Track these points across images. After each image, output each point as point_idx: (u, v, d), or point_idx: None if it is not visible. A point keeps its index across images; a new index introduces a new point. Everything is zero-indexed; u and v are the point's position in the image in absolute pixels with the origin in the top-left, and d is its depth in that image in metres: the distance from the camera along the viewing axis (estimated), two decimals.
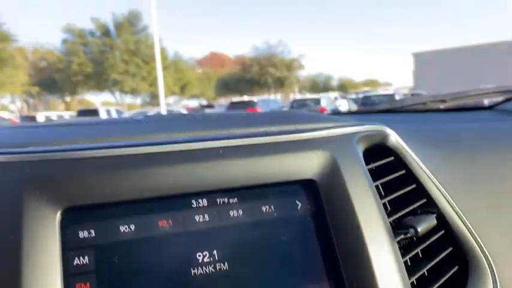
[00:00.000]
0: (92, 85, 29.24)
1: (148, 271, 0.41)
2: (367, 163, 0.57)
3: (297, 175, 0.49)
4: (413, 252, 0.53)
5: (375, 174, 0.57)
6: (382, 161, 0.58)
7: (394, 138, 0.60)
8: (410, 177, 0.59)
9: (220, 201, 0.46)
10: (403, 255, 0.52)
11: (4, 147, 0.43)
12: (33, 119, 19.38)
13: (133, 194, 0.43)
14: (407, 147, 0.60)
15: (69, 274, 0.39)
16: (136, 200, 0.43)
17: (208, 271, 0.43)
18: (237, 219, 0.46)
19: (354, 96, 27.61)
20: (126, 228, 0.42)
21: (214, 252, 0.44)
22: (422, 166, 0.60)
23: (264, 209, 0.47)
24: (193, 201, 0.45)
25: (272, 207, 0.48)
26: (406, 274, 0.48)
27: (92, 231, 0.41)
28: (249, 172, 0.47)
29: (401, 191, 0.57)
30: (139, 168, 0.44)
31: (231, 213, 0.46)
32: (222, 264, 0.44)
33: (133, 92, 29.56)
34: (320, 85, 49.26)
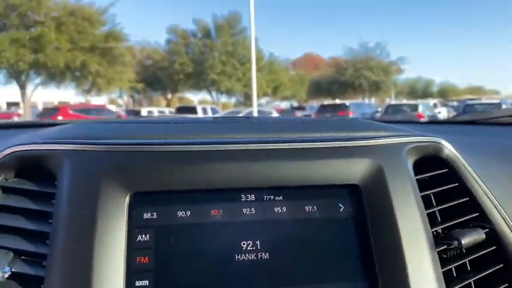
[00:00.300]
0: (192, 84, 30.78)
1: (198, 252, 0.48)
2: (420, 173, 0.58)
3: (342, 180, 0.53)
4: (455, 264, 0.54)
5: (427, 184, 0.58)
6: (436, 171, 0.59)
7: (449, 150, 0.60)
8: (464, 189, 0.59)
9: (266, 198, 0.51)
10: (446, 265, 0.53)
11: (90, 138, 0.52)
12: (137, 113, 20.98)
13: (191, 185, 0.50)
14: (463, 160, 0.60)
15: (132, 248, 0.47)
16: (194, 190, 0.50)
17: (250, 258, 0.48)
18: (280, 215, 0.51)
19: (455, 103, 25.95)
20: (183, 214, 0.49)
21: (257, 242, 0.49)
22: (478, 180, 0.60)
23: (307, 208, 0.52)
24: (243, 196, 0.51)
25: (315, 207, 0.52)
26: (443, 284, 0.49)
27: (154, 214, 0.49)
28: (295, 173, 0.52)
29: (452, 203, 0.58)
30: (197, 163, 0.50)
31: (276, 209, 0.51)
32: (263, 254, 0.49)
33: (229, 92, 30.62)
34: (419, 91, 46.80)
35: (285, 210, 0.51)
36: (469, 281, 0.53)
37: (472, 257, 0.55)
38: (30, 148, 0.51)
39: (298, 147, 0.53)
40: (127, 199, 0.48)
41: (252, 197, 0.51)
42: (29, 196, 0.50)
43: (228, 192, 0.51)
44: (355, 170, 0.53)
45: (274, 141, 0.54)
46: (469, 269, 0.56)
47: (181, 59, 28.50)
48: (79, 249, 0.45)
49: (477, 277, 0.54)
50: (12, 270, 0.46)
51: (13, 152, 0.51)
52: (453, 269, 0.55)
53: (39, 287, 0.44)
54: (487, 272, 0.55)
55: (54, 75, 18.83)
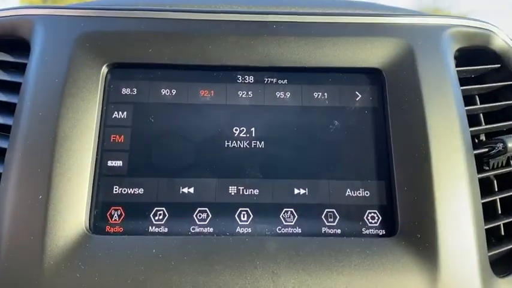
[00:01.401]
0: None
1: (181, 136, 0.41)
2: (465, 65, 0.47)
3: (360, 62, 0.43)
4: (497, 172, 0.44)
5: (472, 80, 0.48)
6: (484, 66, 0.48)
7: (503, 40, 0.48)
8: None
9: (267, 80, 0.43)
10: (485, 172, 0.43)
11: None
12: None
13: (179, 59, 0.42)
14: None
15: (107, 125, 0.41)
16: (182, 66, 0.43)
17: (242, 146, 0.41)
18: (282, 101, 0.43)
19: None
20: (167, 92, 0.42)
21: (252, 129, 0.42)
22: None
23: (316, 95, 0.43)
24: (239, 76, 0.43)
25: (325, 94, 0.43)
26: (477, 192, 0.40)
27: (135, 90, 0.42)
28: (303, 53, 0.43)
29: (503, 103, 0.47)
30: (186, 34, 0.43)
31: (278, 94, 0.43)
32: (258, 142, 0.41)
33: None
34: None
35: (288, 95, 0.43)
36: (500, 195, 0.43)
37: None
38: (4, 14, 0.45)
39: (307, 20, 0.44)
40: (103, 70, 0.42)
41: (251, 79, 0.43)
42: (3, 68, 0.45)
43: (222, 72, 0.43)
44: (377, 52, 0.43)
45: (279, 13, 0.44)
46: None
47: None
48: (44, 121, 0.39)
49: None
50: None
51: None
52: (494, 179, 0.45)
53: (2, 160, 0.39)
54: None
55: None
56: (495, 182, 0.45)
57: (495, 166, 0.45)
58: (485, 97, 0.48)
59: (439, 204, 0.38)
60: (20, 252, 0.36)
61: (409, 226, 0.38)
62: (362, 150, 0.41)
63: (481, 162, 0.45)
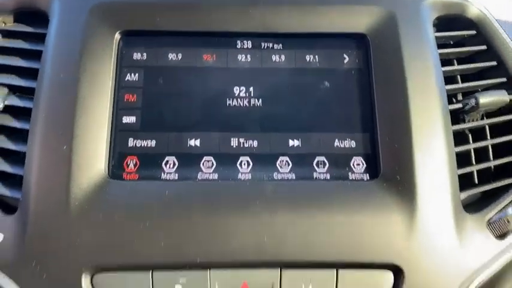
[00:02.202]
0: None
1: (187, 95, 0.46)
2: (443, 31, 0.52)
3: (348, 28, 0.48)
4: (470, 126, 0.49)
5: (449, 45, 0.53)
6: (460, 32, 0.53)
7: (477, 9, 0.53)
8: (492, 53, 0.52)
9: (264, 46, 0.48)
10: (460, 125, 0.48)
11: None
12: None
13: (184, 26, 0.47)
14: (495, 23, 0.53)
15: (121, 86, 0.46)
16: (187, 32, 0.47)
17: (242, 104, 0.46)
18: (278, 63, 0.47)
19: None
20: (174, 56, 0.47)
21: (251, 89, 0.47)
22: (510, 44, 0.53)
23: (308, 58, 0.48)
24: (239, 42, 0.48)
25: (316, 57, 0.48)
26: (451, 141, 0.45)
27: (144, 54, 0.47)
28: (296, 19, 0.48)
29: (476, 65, 0.52)
30: (191, 3, 0.48)
31: (274, 57, 0.48)
32: (256, 100, 0.46)
33: None
34: None
35: (283, 59, 0.48)
36: (483, 145, 0.49)
37: (491, 121, 0.49)
38: None
39: None
40: (116, 37, 0.46)
41: (249, 44, 0.48)
42: (24, 38, 0.50)
43: (223, 38, 0.48)
44: (363, 19, 0.48)
45: None
46: (488, 136, 0.51)
47: None
48: (64, 83, 0.44)
49: (494, 142, 0.49)
50: (5, 103, 0.46)
51: None
52: (469, 133, 0.50)
53: (28, 119, 0.44)
54: (506, 139, 0.49)
55: None
56: (470, 135, 0.50)
57: (470, 121, 0.50)
58: (463, 62, 0.53)
59: (416, 152, 0.43)
60: (48, 195, 0.41)
61: (390, 170, 0.43)
62: (349, 106, 0.46)
63: (457, 119, 0.50)
